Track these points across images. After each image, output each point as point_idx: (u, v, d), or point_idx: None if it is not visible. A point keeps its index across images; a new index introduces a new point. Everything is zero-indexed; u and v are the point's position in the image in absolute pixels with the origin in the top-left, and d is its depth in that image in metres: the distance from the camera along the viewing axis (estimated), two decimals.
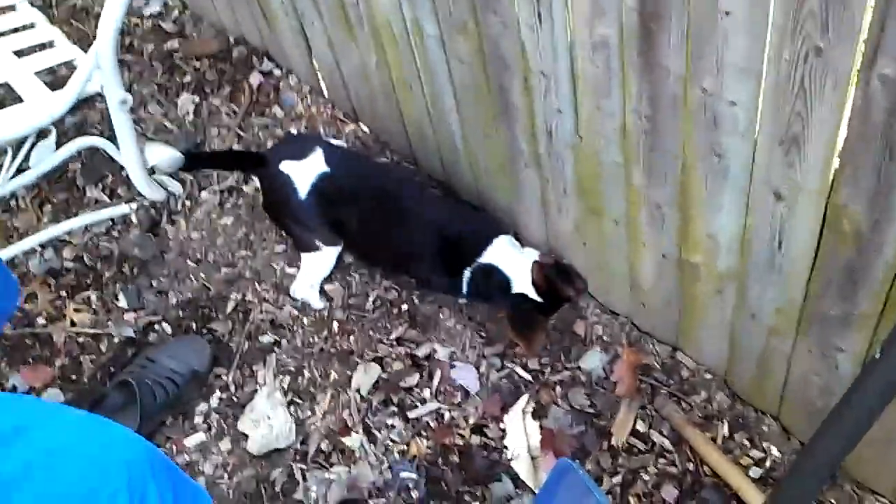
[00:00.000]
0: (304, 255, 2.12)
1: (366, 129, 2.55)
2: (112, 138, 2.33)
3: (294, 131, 2.58)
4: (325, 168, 1.98)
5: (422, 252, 2.01)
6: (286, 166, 1.99)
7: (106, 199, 2.45)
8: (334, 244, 2.06)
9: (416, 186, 2.24)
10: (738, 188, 1.44)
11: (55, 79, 2.68)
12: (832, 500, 1.65)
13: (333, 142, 2.25)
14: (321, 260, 2.08)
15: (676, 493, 1.71)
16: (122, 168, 2.41)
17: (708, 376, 1.87)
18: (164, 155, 1.97)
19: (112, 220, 2.38)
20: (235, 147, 2.56)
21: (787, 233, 1.41)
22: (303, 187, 1.97)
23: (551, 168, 1.83)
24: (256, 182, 2.38)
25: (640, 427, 1.82)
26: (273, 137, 2.57)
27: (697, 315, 1.78)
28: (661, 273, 1.77)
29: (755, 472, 1.72)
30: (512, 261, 1.93)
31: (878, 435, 1.20)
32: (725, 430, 1.79)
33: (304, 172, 1.98)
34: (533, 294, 1.89)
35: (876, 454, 1.55)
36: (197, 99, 2.71)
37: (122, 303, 2.18)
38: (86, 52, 2.22)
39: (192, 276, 2.23)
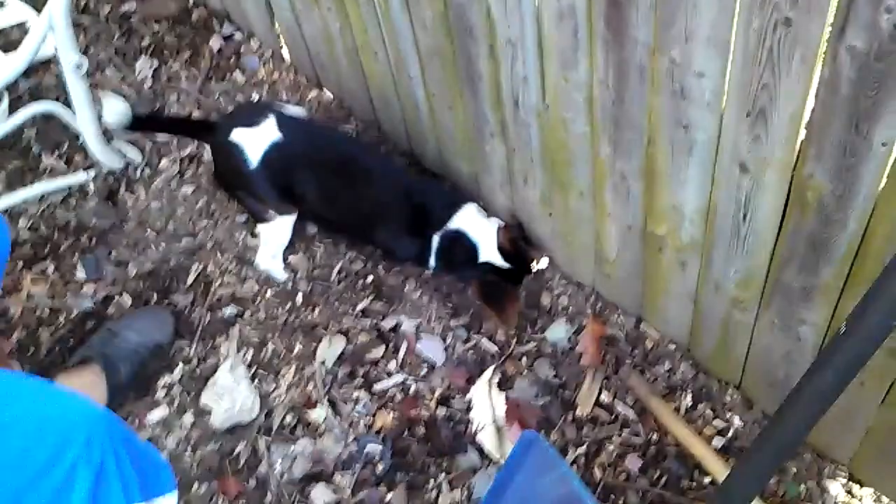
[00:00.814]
0: (259, 226, 2.08)
1: (329, 95, 2.50)
2: (68, 104, 2.26)
3: (255, 96, 2.52)
4: (277, 135, 1.94)
5: (387, 217, 1.99)
6: (237, 134, 1.95)
7: (62, 166, 2.38)
8: (287, 213, 2.02)
9: (376, 152, 2.24)
10: (704, 160, 1.42)
11: (6, 41, 2.59)
12: (793, 469, 1.67)
13: (290, 108, 2.21)
14: (276, 229, 2.04)
15: (640, 463, 1.72)
16: (78, 135, 2.35)
17: (672, 347, 1.87)
18: (116, 107, 1.92)
19: (69, 188, 2.31)
20: (196, 114, 2.49)
21: (752, 205, 1.41)
22: (254, 156, 1.93)
23: (517, 138, 1.81)
24: None
25: (605, 398, 1.82)
26: (234, 103, 2.51)
27: (661, 286, 1.77)
28: (626, 244, 1.77)
29: (718, 441, 1.73)
30: (480, 228, 1.93)
31: (838, 407, 1.20)
32: (689, 400, 1.80)
33: (255, 140, 1.94)
34: (500, 261, 1.89)
35: (835, 425, 1.56)
36: (155, 63, 2.64)
37: (81, 274, 2.13)
38: (39, 13, 2.14)
39: (152, 247, 2.19)
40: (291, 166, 1.96)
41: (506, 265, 1.91)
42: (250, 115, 2.01)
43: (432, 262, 1.98)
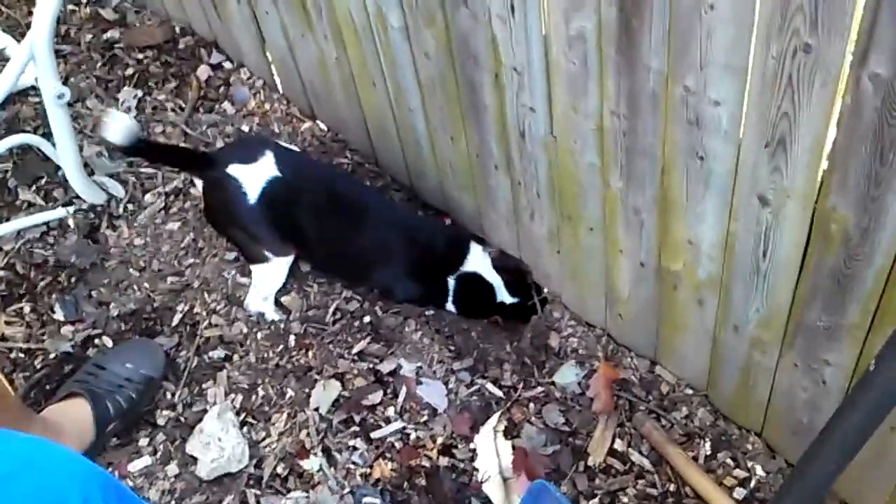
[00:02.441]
0: (253, 267, 2.10)
1: (323, 127, 2.53)
2: (47, 135, 2.28)
3: (245, 128, 2.55)
4: (275, 172, 1.98)
5: (391, 259, 2.06)
6: (234, 170, 1.98)
7: (40, 202, 2.39)
8: (284, 254, 2.05)
9: (375, 191, 2.29)
10: (722, 192, 1.45)
11: None
12: None
13: (286, 146, 2.25)
14: (271, 272, 2.07)
15: None
16: (58, 168, 2.37)
17: (689, 392, 1.88)
18: (122, 122, 1.91)
19: (47, 224, 2.33)
20: (182, 146, 2.52)
21: (772, 239, 1.43)
22: (252, 192, 1.96)
23: (523, 171, 1.84)
24: None
25: (619, 446, 1.83)
26: (223, 136, 2.54)
27: (678, 327, 1.79)
28: (640, 282, 1.78)
29: (739, 492, 1.73)
30: (491, 268, 2.05)
31: (866, 452, 1.21)
32: (708, 448, 1.80)
33: (253, 176, 1.97)
34: (510, 298, 2.02)
35: (863, 472, 1.56)
36: (140, 93, 2.67)
37: (59, 315, 2.14)
38: (19, 41, 2.18)
39: (135, 286, 2.20)
40: (290, 204, 2.00)
41: (515, 299, 2.03)
42: (247, 149, 2.05)
43: (450, 306, 2.08)
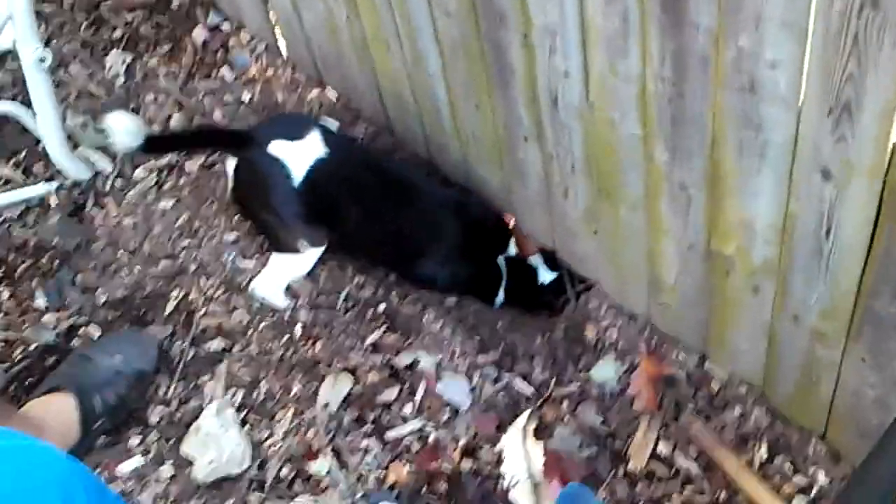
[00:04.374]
0: (276, 255, 2.13)
1: (333, 95, 2.55)
2: (27, 104, 2.31)
3: (246, 97, 2.58)
4: (323, 151, 2.01)
5: (443, 245, 2.13)
6: (277, 147, 2.00)
7: (20, 177, 2.43)
8: (319, 244, 2.09)
9: (425, 174, 2.33)
10: (779, 166, 1.45)
11: None
12: None
13: (325, 123, 2.29)
14: (299, 263, 2.11)
15: None
16: (38, 141, 2.40)
17: (742, 390, 1.89)
18: (126, 124, 1.92)
19: (27, 202, 2.36)
20: (176, 117, 2.54)
21: (836, 218, 1.43)
22: (297, 174, 1.99)
23: (556, 142, 1.85)
24: (201, 158, 2.38)
25: (663, 449, 1.84)
26: (221, 105, 2.56)
27: (730, 317, 1.80)
28: (687, 267, 1.79)
29: (800, 501, 1.74)
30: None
31: None
32: (764, 452, 1.81)
33: (299, 156, 2.00)
34: (549, 274, 2.16)
35: None
36: (129, 58, 2.70)
37: (41, 302, 2.17)
38: None
39: (124, 271, 2.23)
40: (334, 188, 2.03)
41: (554, 274, 2.14)
42: (290, 126, 2.09)
43: (500, 296, 2.16)
